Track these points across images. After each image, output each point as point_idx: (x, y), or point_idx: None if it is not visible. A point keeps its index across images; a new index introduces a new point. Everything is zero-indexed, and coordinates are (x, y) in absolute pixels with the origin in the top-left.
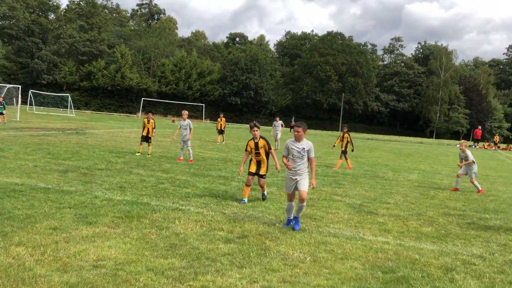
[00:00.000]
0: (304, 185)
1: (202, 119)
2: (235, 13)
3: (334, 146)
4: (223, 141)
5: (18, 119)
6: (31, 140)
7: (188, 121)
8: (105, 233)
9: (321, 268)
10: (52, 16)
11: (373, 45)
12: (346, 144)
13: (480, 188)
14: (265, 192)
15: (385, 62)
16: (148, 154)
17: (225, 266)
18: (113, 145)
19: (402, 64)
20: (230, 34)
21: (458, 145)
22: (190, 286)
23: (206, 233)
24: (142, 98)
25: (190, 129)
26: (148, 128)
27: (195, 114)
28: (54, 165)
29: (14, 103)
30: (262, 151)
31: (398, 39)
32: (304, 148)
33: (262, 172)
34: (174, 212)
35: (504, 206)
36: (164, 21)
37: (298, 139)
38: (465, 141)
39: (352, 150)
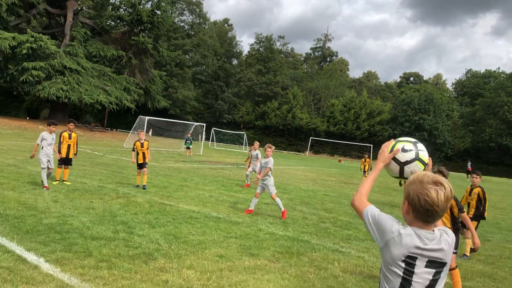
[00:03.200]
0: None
1: (370, 160)
2: (410, 53)
3: None
4: None
5: (201, 153)
6: (210, 172)
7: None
8: (265, 266)
9: None
10: (235, 61)
11: None
12: None
13: None
14: None
15: None
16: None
17: None
18: (279, 181)
19: None
20: (404, 73)
21: None
22: None
23: (365, 280)
24: (311, 138)
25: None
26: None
27: (362, 155)
28: (226, 197)
29: (199, 139)
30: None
31: None
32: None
33: None
34: (334, 253)
35: None
36: (336, 63)
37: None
38: None
39: None
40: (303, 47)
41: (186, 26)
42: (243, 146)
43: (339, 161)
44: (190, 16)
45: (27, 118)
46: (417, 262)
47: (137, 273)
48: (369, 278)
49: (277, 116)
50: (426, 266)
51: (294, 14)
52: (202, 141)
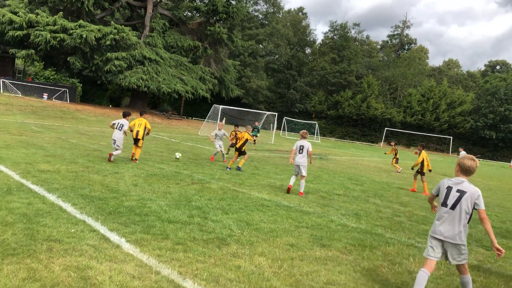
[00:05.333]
0: None
1: (449, 153)
2: (498, 40)
3: None
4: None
5: (272, 142)
6: (281, 161)
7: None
8: (337, 258)
9: None
10: (308, 50)
11: None
12: None
13: None
14: None
15: None
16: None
17: None
18: (352, 172)
19: None
20: (490, 61)
21: None
22: None
23: (443, 277)
24: (385, 128)
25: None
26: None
27: (440, 147)
28: (297, 186)
29: (271, 128)
30: None
31: None
32: None
33: None
34: (409, 249)
35: None
36: (415, 51)
37: None
38: None
39: None
40: (379, 35)
41: (260, 16)
42: (315, 136)
43: (416, 153)
44: (265, 5)
45: (110, 106)
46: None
47: (210, 257)
48: (447, 276)
49: (350, 105)
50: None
51: (372, 0)
52: (274, 130)
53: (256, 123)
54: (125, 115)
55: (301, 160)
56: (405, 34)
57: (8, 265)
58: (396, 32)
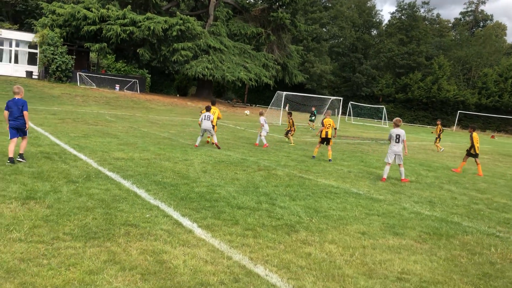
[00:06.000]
0: None
1: None
2: None
3: None
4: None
5: (338, 128)
6: (347, 147)
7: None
8: (411, 247)
9: None
10: (374, 32)
11: None
12: None
13: None
14: None
15: None
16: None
17: None
18: (424, 158)
19: None
20: None
21: None
22: None
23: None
24: (459, 111)
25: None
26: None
27: None
28: (366, 173)
29: (336, 113)
30: None
31: None
32: None
33: None
34: (489, 238)
35: None
36: (491, 28)
37: None
38: None
39: None
40: (451, 13)
41: None
42: (382, 121)
43: (492, 137)
44: None
45: (177, 95)
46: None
47: (280, 243)
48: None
49: (420, 88)
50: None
51: None
52: (339, 115)
53: (313, 108)
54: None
55: (398, 149)
56: (480, 10)
57: (91, 247)
58: (469, 9)
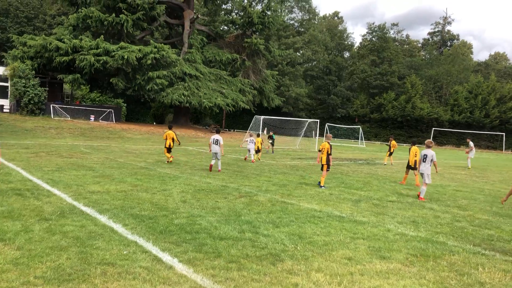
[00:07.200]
0: None
1: (502, 150)
2: None
3: None
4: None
5: (316, 150)
6: None
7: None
8: (399, 271)
9: None
10: (347, 54)
11: None
12: None
13: None
14: None
15: None
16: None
17: None
18: (401, 176)
19: None
20: None
21: None
22: None
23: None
24: (433, 128)
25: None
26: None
27: (492, 144)
28: (347, 194)
29: (313, 135)
30: None
31: None
32: None
33: None
34: (476, 257)
35: None
36: (458, 47)
37: None
38: None
39: None
40: (419, 34)
41: (296, 24)
42: (359, 141)
43: (467, 152)
44: (300, 13)
45: (154, 123)
46: None
47: (266, 275)
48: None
49: (394, 107)
50: None
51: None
52: (317, 137)
53: (271, 133)
54: (218, 132)
55: (424, 168)
56: (447, 30)
57: None
58: (437, 29)
